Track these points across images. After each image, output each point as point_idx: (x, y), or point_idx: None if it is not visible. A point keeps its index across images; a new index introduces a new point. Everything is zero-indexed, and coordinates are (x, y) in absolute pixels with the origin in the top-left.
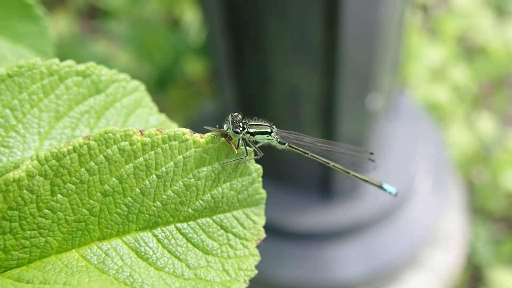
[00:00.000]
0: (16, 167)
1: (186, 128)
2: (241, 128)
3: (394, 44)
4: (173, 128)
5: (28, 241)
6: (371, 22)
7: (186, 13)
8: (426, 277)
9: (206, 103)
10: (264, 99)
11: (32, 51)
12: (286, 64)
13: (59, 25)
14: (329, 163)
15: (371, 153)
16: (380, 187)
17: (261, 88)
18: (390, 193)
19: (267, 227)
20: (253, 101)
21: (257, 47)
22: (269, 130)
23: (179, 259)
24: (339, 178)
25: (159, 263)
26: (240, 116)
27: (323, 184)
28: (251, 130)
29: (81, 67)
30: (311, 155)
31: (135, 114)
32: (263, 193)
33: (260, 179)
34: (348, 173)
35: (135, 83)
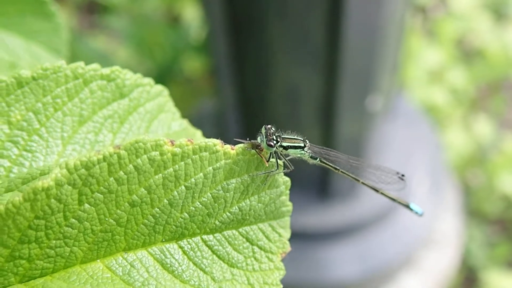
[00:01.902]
0: (43, 174)
1: (217, 139)
2: (275, 141)
3: (394, 46)
4: (198, 135)
5: (53, 251)
6: (373, 24)
7: (186, 10)
8: (421, 278)
9: (205, 101)
10: (263, 98)
11: (45, 49)
12: (287, 64)
13: None
14: (359, 180)
15: (402, 175)
16: (407, 206)
17: (260, 87)
18: (416, 213)
19: None
20: (253, 100)
21: (258, 46)
22: (302, 145)
23: (205, 272)
24: (336, 179)
25: (184, 276)
26: (273, 129)
27: (321, 185)
28: (285, 144)
29: (106, 71)
30: (341, 171)
31: (158, 119)
32: (289, 206)
33: (288, 192)
34: (377, 191)
35: (159, 87)
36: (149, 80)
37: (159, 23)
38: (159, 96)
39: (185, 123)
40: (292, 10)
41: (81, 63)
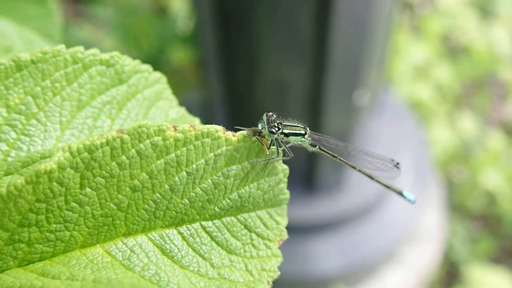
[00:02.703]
0: (43, 157)
1: (219, 125)
2: (276, 128)
3: (381, 42)
4: (196, 123)
5: (53, 235)
6: (361, 19)
7: (173, 1)
8: (404, 272)
9: (192, 92)
10: (251, 90)
11: (38, 34)
12: (275, 57)
13: None
14: (355, 168)
15: (397, 163)
16: (400, 194)
17: (248, 79)
18: (409, 200)
19: None
20: (240, 92)
21: (247, 39)
22: (303, 132)
23: (204, 258)
24: (323, 172)
25: (183, 261)
26: (275, 116)
27: (307, 178)
28: (286, 131)
29: (105, 56)
30: (339, 159)
31: (156, 106)
32: (287, 194)
33: (286, 179)
34: (372, 178)
35: (157, 74)
36: (147, 67)
37: (145, 13)
38: (157, 83)
39: (182, 110)
40: (281, 3)
41: (80, 48)
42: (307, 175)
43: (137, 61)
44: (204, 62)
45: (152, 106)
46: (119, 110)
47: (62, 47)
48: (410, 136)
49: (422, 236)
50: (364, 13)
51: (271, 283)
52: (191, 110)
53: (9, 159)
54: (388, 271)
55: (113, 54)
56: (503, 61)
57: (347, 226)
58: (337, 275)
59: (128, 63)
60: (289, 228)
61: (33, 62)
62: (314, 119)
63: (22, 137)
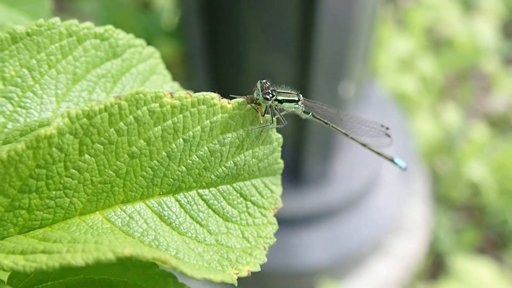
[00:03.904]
0: (41, 125)
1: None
2: (270, 95)
3: (365, 34)
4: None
5: (53, 201)
6: (345, 12)
7: None
8: (390, 263)
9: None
10: (237, 83)
11: (28, 17)
12: (261, 49)
13: None
14: (347, 135)
15: (387, 128)
16: (392, 160)
17: (234, 73)
18: (400, 167)
19: None
20: (226, 85)
21: (232, 32)
22: (296, 98)
23: (201, 225)
24: (309, 164)
25: (182, 228)
26: (269, 83)
27: (293, 171)
28: (280, 98)
29: (99, 29)
30: (332, 126)
31: (150, 81)
32: (281, 163)
33: (280, 148)
34: (365, 145)
35: (151, 49)
36: (141, 42)
37: (130, 8)
38: (151, 58)
39: (176, 85)
40: None
41: (75, 21)
42: (293, 167)
43: (131, 35)
44: (190, 55)
45: (146, 81)
46: (114, 84)
47: (57, 19)
48: (395, 128)
49: (408, 227)
50: (348, 7)
51: (267, 249)
52: None
53: (6, 131)
54: (375, 262)
55: (107, 28)
56: (485, 53)
57: (333, 218)
58: (324, 267)
59: (122, 37)
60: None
61: (28, 34)
62: (316, 101)
63: (19, 109)
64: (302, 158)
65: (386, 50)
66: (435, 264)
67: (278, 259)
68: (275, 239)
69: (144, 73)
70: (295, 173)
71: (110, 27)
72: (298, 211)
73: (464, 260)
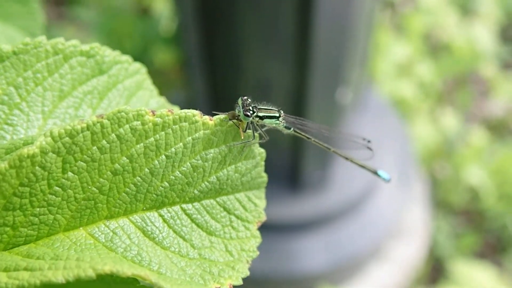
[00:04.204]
0: (26, 144)
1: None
2: (251, 112)
3: (363, 40)
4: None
5: (37, 218)
6: (342, 18)
7: (155, 2)
8: (389, 268)
9: (176, 93)
10: (234, 90)
11: (21, 32)
12: (258, 56)
13: None
14: (330, 149)
15: (369, 141)
16: (375, 173)
17: (232, 79)
18: (384, 179)
19: None
20: (223, 92)
21: (229, 39)
22: (277, 115)
23: (184, 239)
24: (307, 170)
25: (165, 243)
26: (249, 100)
27: (292, 176)
28: (260, 114)
29: (85, 47)
30: (314, 141)
31: (136, 96)
32: (265, 177)
33: (263, 163)
34: (347, 158)
35: (137, 65)
36: (127, 58)
37: (128, 14)
38: (137, 73)
39: (162, 100)
40: (262, 2)
41: (61, 39)
42: (291, 173)
43: (117, 52)
44: (187, 62)
45: (133, 96)
46: (100, 100)
47: (43, 38)
48: (393, 133)
49: (407, 232)
50: (345, 12)
51: (250, 262)
52: None
53: None
54: (374, 267)
55: (93, 45)
56: (484, 58)
57: (332, 223)
58: (323, 272)
59: (108, 53)
60: (274, 227)
61: (14, 53)
62: (297, 117)
63: (5, 126)
64: (300, 163)
65: (384, 55)
66: (435, 269)
67: (278, 264)
68: (258, 253)
69: (130, 88)
70: (293, 179)
71: (96, 44)
72: (297, 216)
73: (463, 264)
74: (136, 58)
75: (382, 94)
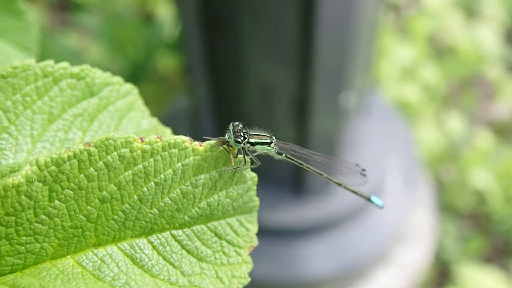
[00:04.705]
0: (12, 171)
1: (186, 136)
2: (242, 138)
3: (366, 43)
4: (167, 133)
5: (23, 247)
6: (345, 21)
7: (159, 8)
8: (395, 273)
9: (179, 99)
10: (237, 95)
11: (15, 47)
12: (260, 60)
13: (29, 17)
14: (322, 175)
15: (363, 169)
16: (368, 199)
17: (234, 85)
18: (377, 205)
19: None
20: (227, 98)
21: (231, 43)
22: (268, 141)
23: (174, 266)
24: (311, 176)
25: (154, 270)
26: (241, 126)
27: (295, 182)
28: (252, 140)
29: (75, 69)
30: (306, 166)
31: (127, 118)
32: (256, 201)
33: (255, 187)
34: (340, 185)
35: (128, 86)
36: (118, 79)
37: (131, 21)
38: (129, 94)
39: (154, 121)
40: (264, 7)
41: (50, 62)
42: (295, 179)
43: (108, 74)
44: (190, 68)
45: (124, 118)
46: (91, 122)
47: (32, 61)
48: (398, 137)
49: (413, 236)
50: (348, 16)
51: None
52: (179, 117)
53: None
54: (379, 272)
55: (83, 68)
56: (489, 60)
57: (336, 228)
58: (328, 278)
59: (99, 75)
60: (278, 232)
61: (3, 77)
62: (301, 122)
63: None
64: (304, 169)
65: (388, 58)
66: (441, 273)
67: (282, 270)
68: (249, 279)
69: (122, 110)
70: (297, 184)
71: (86, 66)
72: (301, 222)
73: (470, 268)
74: (139, 64)
75: (386, 97)
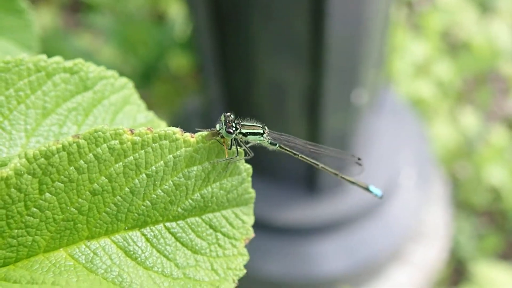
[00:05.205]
0: (4, 165)
1: (176, 127)
2: (234, 128)
3: (379, 39)
4: (163, 127)
5: (15, 240)
6: (357, 18)
7: (170, 8)
8: (410, 271)
9: (191, 98)
10: (249, 94)
11: (16, 45)
12: (271, 59)
13: (42, 18)
14: (318, 165)
15: (359, 158)
16: (367, 189)
17: (246, 84)
18: (376, 195)
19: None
20: (238, 96)
21: (243, 42)
22: (261, 131)
23: (168, 259)
24: (324, 174)
25: (147, 263)
26: (232, 116)
27: (309, 180)
28: (244, 131)
29: (69, 63)
30: (301, 156)
31: (123, 112)
32: (252, 193)
33: (250, 178)
34: (337, 174)
35: (123, 80)
36: (113, 73)
37: (143, 21)
38: (124, 88)
39: (151, 115)
40: (275, 4)
41: (43, 56)
42: (309, 176)
43: (102, 67)
44: (201, 67)
45: (119, 112)
46: (85, 116)
47: (24, 56)
48: (412, 133)
49: (428, 234)
50: (360, 12)
51: (236, 281)
52: (191, 116)
53: None
54: (394, 270)
55: (76, 62)
56: (503, 56)
57: (350, 226)
58: (342, 276)
59: (93, 69)
60: (292, 230)
61: None
62: (313, 119)
63: None
64: (299, 159)
65: (402, 55)
66: (457, 271)
67: (295, 268)
68: (245, 271)
69: (117, 104)
70: (310, 182)
71: (79, 60)
72: (315, 220)
73: (486, 266)
74: (151, 64)
75: (399, 94)
